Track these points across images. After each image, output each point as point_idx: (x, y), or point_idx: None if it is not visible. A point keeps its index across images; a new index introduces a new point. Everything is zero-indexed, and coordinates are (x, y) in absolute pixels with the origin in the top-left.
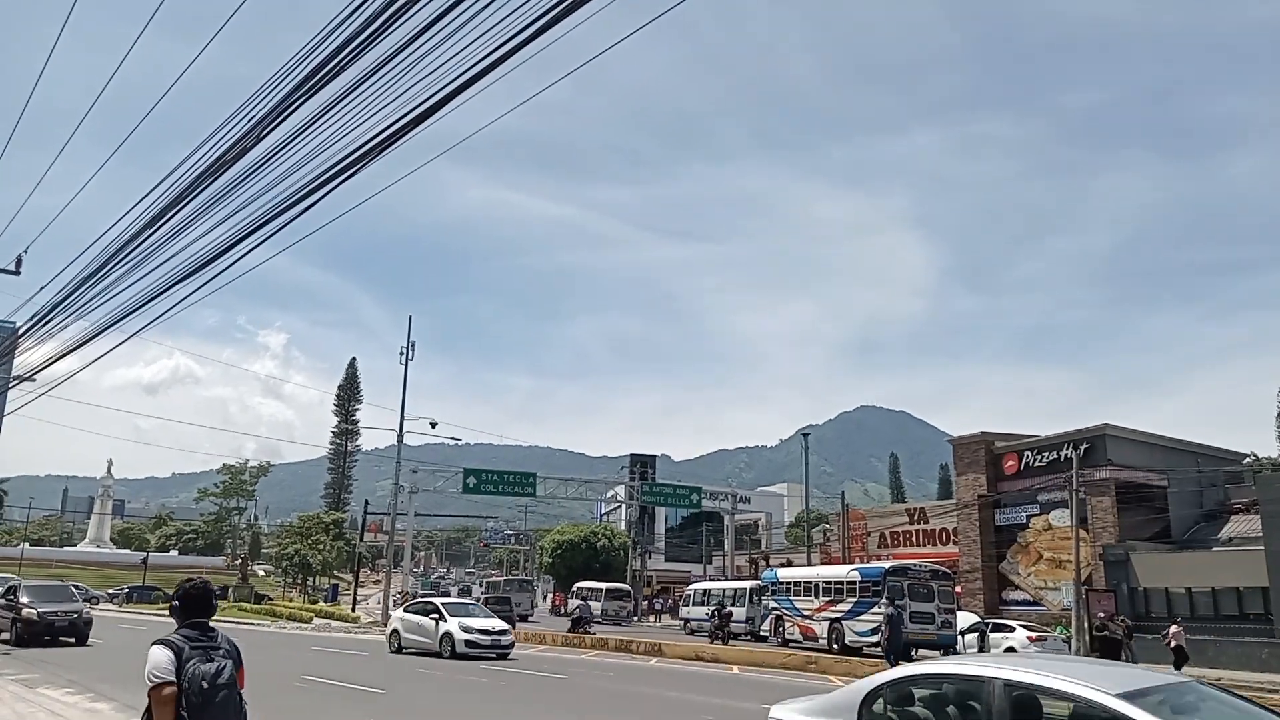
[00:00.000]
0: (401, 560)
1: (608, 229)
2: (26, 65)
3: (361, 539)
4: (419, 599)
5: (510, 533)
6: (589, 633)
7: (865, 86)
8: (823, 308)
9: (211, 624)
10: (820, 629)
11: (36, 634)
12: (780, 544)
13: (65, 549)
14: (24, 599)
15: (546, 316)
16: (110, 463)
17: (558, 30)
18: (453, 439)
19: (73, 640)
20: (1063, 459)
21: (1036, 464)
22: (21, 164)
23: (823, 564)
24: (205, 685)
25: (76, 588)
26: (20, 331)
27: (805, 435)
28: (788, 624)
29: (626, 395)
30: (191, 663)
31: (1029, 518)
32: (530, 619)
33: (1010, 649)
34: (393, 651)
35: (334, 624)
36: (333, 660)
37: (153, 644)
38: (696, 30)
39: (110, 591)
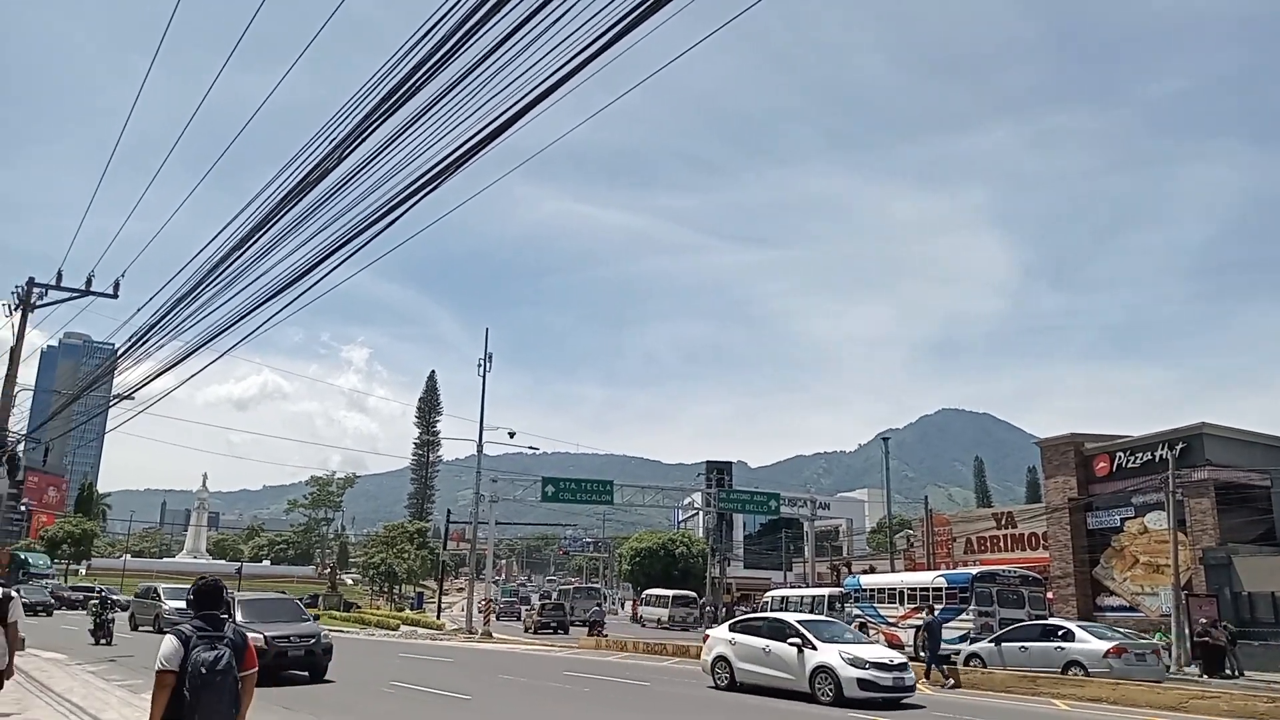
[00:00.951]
0: (484, 568)
1: (678, 236)
2: (119, 98)
3: (445, 547)
4: (755, 614)
5: (589, 540)
6: (604, 635)
7: (938, 83)
8: (899, 310)
9: (222, 615)
10: (906, 636)
11: (264, 668)
12: (862, 550)
13: (164, 560)
14: (242, 618)
15: (618, 325)
16: (205, 476)
17: (626, 41)
18: (530, 448)
19: (307, 675)
20: (1158, 459)
21: (1130, 465)
22: (117, 192)
23: (906, 570)
24: (204, 670)
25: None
26: (119, 352)
27: (885, 439)
28: (871, 631)
29: (699, 402)
30: (196, 650)
31: (1123, 521)
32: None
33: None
34: (721, 687)
35: (420, 631)
36: (419, 666)
37: (166, 633)
38: (764, 34)
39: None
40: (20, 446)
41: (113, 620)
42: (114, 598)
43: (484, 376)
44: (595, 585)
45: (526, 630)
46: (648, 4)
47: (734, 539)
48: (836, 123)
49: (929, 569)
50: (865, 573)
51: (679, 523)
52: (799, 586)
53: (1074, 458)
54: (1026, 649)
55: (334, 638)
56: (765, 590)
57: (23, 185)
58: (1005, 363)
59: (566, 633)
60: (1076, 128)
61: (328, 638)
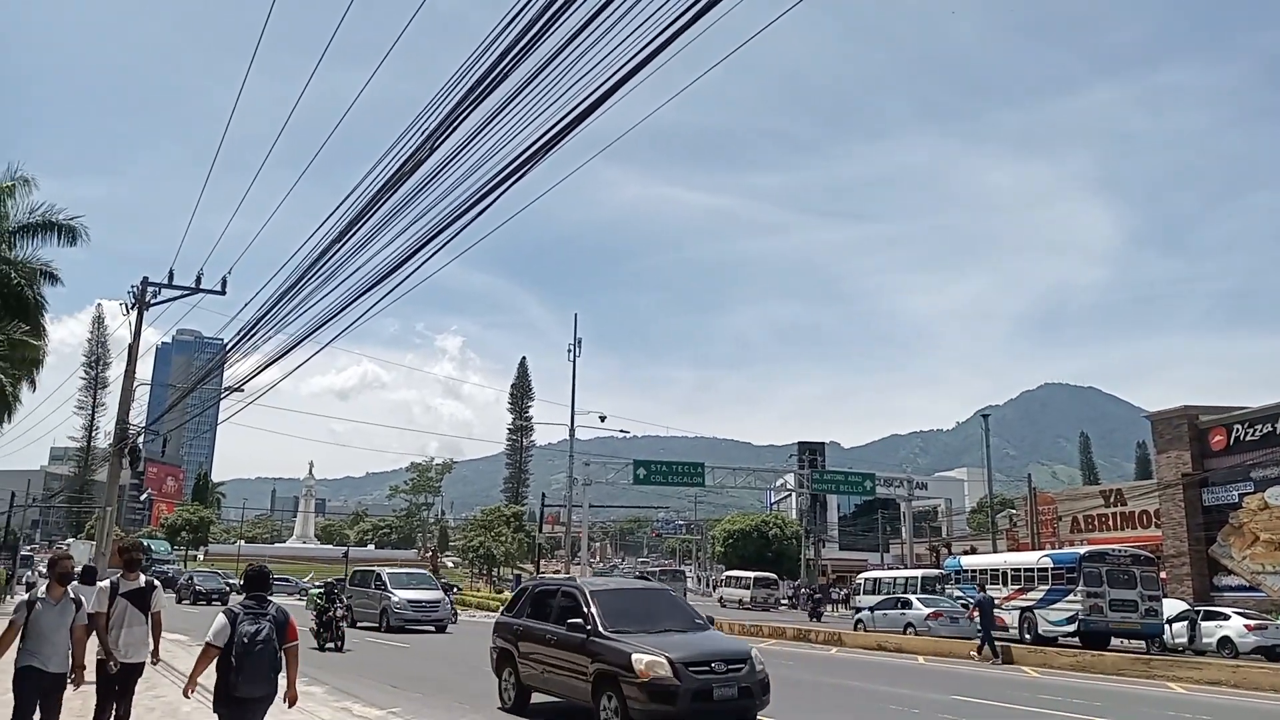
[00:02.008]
0: (579, 550)
1: (766, 215)
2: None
3: (540, 530)
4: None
5: (681, 523)
6: None
7: (1035, 45)
8: (998, 282)
9: (267, 596)
10: (1010, 618)
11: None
12: (962, 531)
13: (275, 545)
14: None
15: (707, 307)
16: (311, 465)
17: (707, 19)
18: (621, 432)
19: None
20: (1279, 432)
21: (1249, 438)
22: (222, 193)
23: (1010, 551)
24: (246, 641)
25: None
26: (228, 346)
27: (985, 416)
28: (974, 613)
29: (791, 382)
30: (242, 624)
31: (1242, 496)
32: None
33: (1226, 639)
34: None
35: None
36: None
37: (219, 611)
38: (849, 4)
39: (316, 583)
40: (140, 439)
41: (344, 618)
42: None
43: (574, 361)
44: (679, 568)
45: None
46: None
47: (828, 520)
48: (927, 91)
49: (1033, 549)
50: (966, 553)
51: (771, 505)
52: (897, 568)
53: (1188, 431)
54: (887, 615)
55: None
56: (861, 572)
57: (135, 191)
58: (1112, 334)
59: None
60: (1187, 84)
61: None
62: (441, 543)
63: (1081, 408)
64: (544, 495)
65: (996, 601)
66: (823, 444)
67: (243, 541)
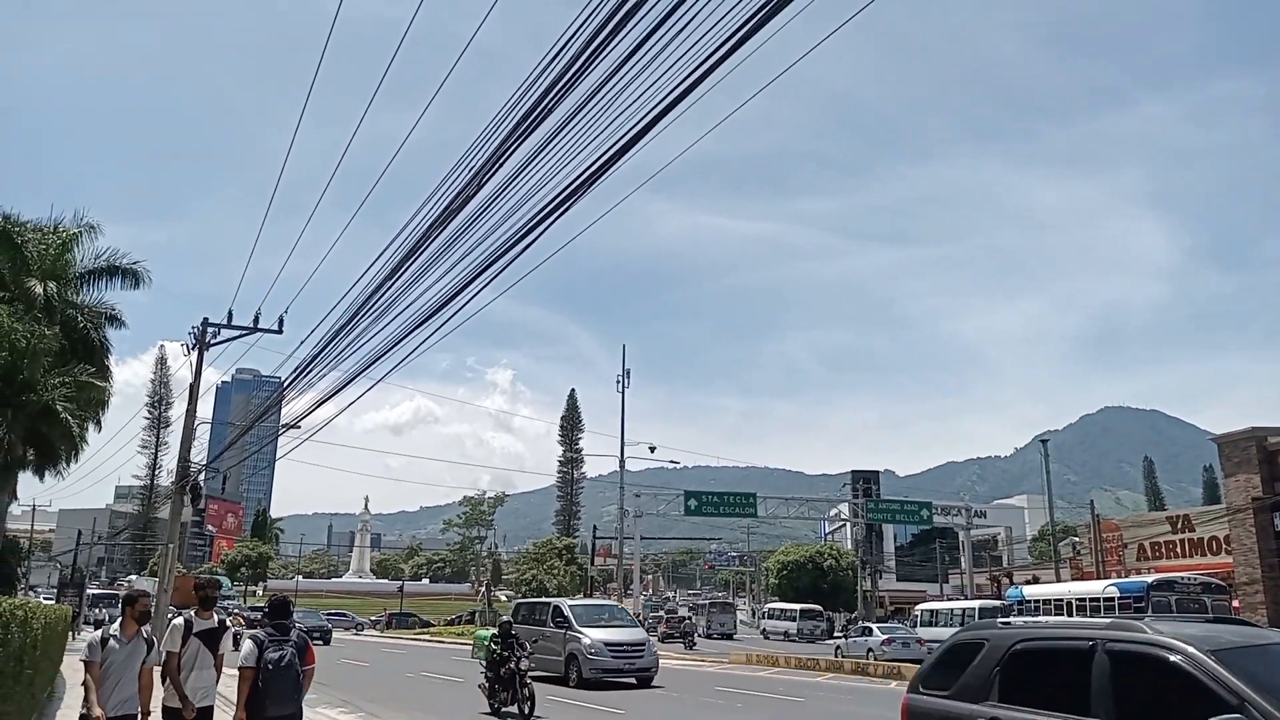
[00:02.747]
0: (631, 583)
1: (812, 240)
2: (275, 146)
3: (592, 563)
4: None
5: (734, 554)
6: (693, 645)
7: (1082, 60)
8: (1052, 302)
9: (289, 624)
10: None
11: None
12: (1023, 560)
13: (333, 580)
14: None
15: (754, 335)
16: (367, 499)
17: (747, 48)
18: (671, 463)
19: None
20: None
21: None
22: (278, 234)
23: (1073, 580)
24: (272, 665)
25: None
26: (285, 384)
27: (1044, 442)
28: None
29: (842, 410)
30: (268, 650)
31: None
32: (734, 637)
33: None
34: None
35: None
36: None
37: (246, 637)
38: (889, 26)
39: (373, 618)
40: (201, 477)
41: (529, 669)
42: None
43: (623, 393)
44: (728, 600)
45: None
46: (767, 8)
47: (884, 550)
48: (973, 110)
49: (1098, 578)
50: (1028, 583)
51: (826, 535)
52: (955, 599)
53: (1257, 454)
54: (855, 642)
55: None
56: (919, 603)
57: (194, 234)
58: (1172, 354)
59: (693, 644)
60: (1241, 95)
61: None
62: (494, 576)
63: (1144, 431)
64: (595, 527)
65: None
66: (877, 472)
67: (300, 576)
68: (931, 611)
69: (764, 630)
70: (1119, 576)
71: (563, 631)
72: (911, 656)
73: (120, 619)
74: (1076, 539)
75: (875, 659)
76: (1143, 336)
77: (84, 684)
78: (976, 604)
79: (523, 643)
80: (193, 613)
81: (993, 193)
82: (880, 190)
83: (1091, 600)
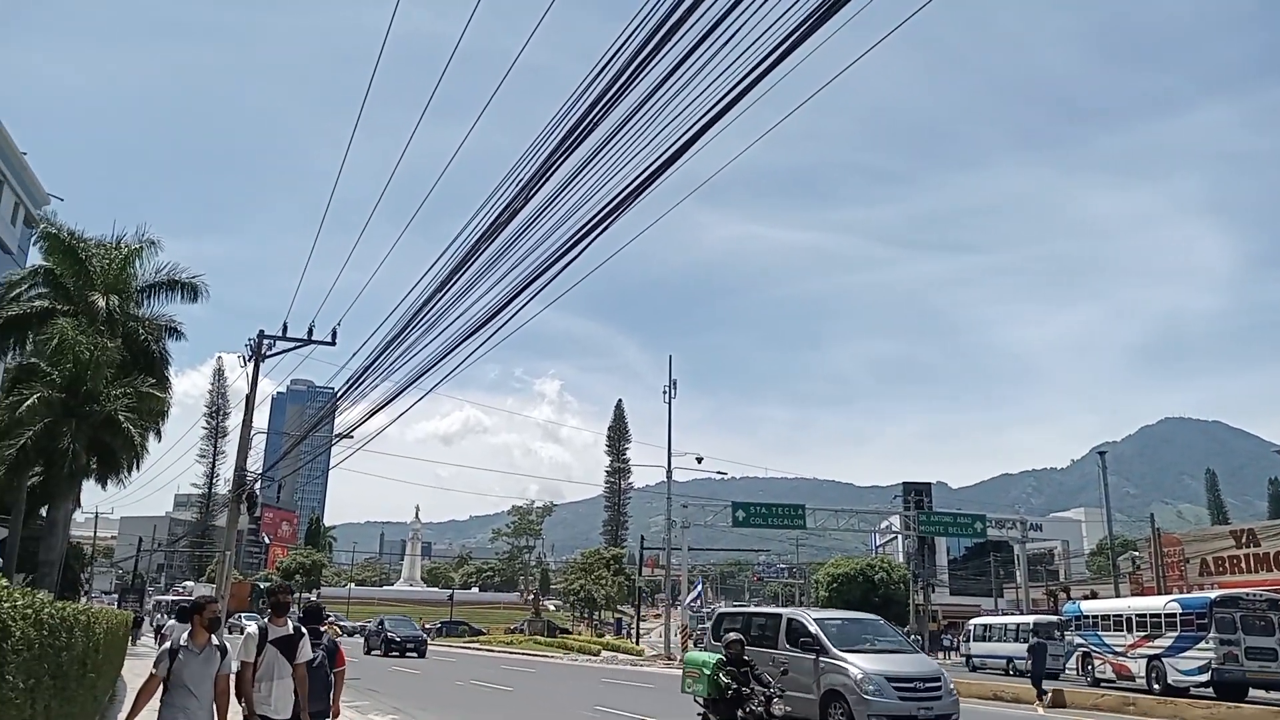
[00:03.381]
0: (679, 594)
1: (861, 250)
2: (328, 162)
3: (640, 574)
4: None
5: (783, 566)
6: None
7: (1136, 66)
8: (1108, 311)
9: (320, 629)
10: (1136, 667)
11: None
12: (1080, 574)
13: (384, 588)
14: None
15: (802, 345)
16: (418, 509)
17: (793, 59)
18: (719, 473)
19: None
20: None
21: None
22: (331, 248)
23: (1133, 595)
24: (310, 666)
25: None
26: (338, 395)
27: (1101, 454)
28: (1097, 662)
29: (893, 421)
30: None
31: None
32: None
33: None
34: None
35: (620, 656)
36: (621, 692)
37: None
38: (934, 35)
39: (425, 626)
40: (257, 485)
41: (774, 698)
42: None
43: (669, 403)
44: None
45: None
46: (813, 19)
47: (937, 564)
48: (1023, 118)
49: (1159, 593)
50: (1086, 598)
51: (877, 547)
52: (1010, 614)
53: None
54: None
55: (537, 662)
56: (973, 618)
57: (250, 248)
58: (1235, 364)
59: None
60: None
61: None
62: (543, 585)
63: (1206, 442)
64: (643, 538)
65: (1120, 649)
66: (929, 484)
67: (353, 584)
68: (985, 626)
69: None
70: (1181, 592)
71: (811, 658)
72: None
73: (189, 627)
74: (1136, 553)
75: None
76: (1203, 345)
77: (138, 692)
78: (1032, 619)
79: (762, 674)
80: (266, 620)
81: (1046, 201)
82: (929, 199)
83: (1153, 616)
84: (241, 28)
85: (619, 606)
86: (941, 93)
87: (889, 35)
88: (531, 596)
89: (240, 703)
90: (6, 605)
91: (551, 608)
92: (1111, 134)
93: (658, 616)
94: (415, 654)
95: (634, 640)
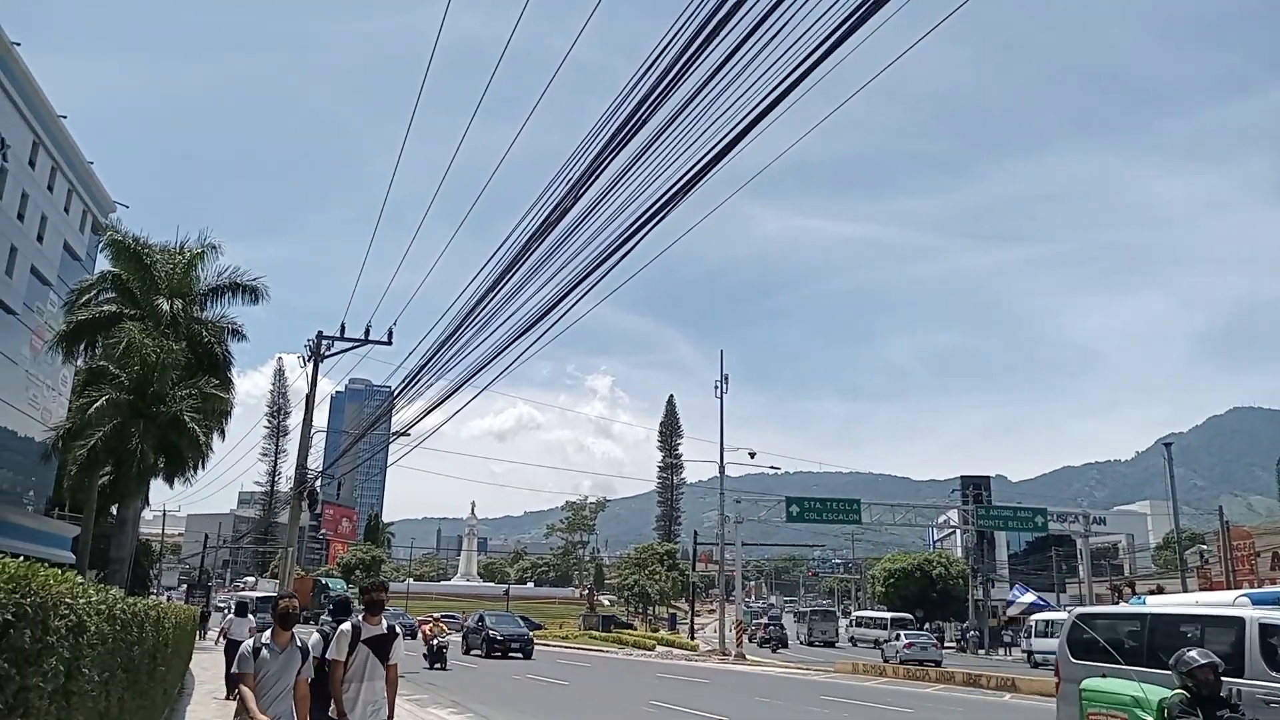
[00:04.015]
0: (733, 590)
1: (916, 241)
2: (383, 164)
3: (694, 569)
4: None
5: (838, 561)
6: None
7: (1199, 47)
8: (1175, 299)
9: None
10: None
11: None
12: (1146, 568)
13: (441, 583)
14: None
15: (856, 339)
16: (473, 505)
17: (845, 48)
18: (772, 468)
19: None
20: None
21: None
22: (386, 249)
23: (1201, 590)
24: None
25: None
26: (395, 393)
27: (1167, 445)
28: None
29: (950, 414)
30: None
31: None
32: (836, 645)
33: None
34: None
35: (674, 651)
36: (676, 687)
37: (314, 632)
38: (991, 19)
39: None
40: (318, 483)
41: None
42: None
43: (721, 398)
44: (830, 608)
45: (751, 641)
46: (865, 8)
47: (996, 558)
48: (1084, 102)
49: (1228, 588)
50: (1152, 593)
51: (934, 542)
52: (1071, 609)
53: None
54: (891, 644)
55: (592, 657)
56: (1034, 614)
57: (307, 251)
58: None
59: (786, 646)
60: None
61: None
62: (597, 580)
63: (1277, 432)
64: (696, 533)
65: None
66: (988, 478)
67: (412, 580)
68: (1047, 622)
69: (853, 638)
70: (1251, 586)
71: None
72: (928, 658)
73: (270, 626)
74: (1204, 547)
75: (898, 659)
76: (1273, 332)
77: (239, 695)
78: None
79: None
80: (360, 617)
81: (1109, 187)
82: (987, 188)
83: None
84: (298, 35)
85: (673, 602)
86: (997, 77)
87: (944, 21)
88: (586, 591)
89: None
90: (82, 601)
91: (606, 602)
92: (1175, 116)
93: (712, 611)
94: (520, 655)
95: (689, 635)
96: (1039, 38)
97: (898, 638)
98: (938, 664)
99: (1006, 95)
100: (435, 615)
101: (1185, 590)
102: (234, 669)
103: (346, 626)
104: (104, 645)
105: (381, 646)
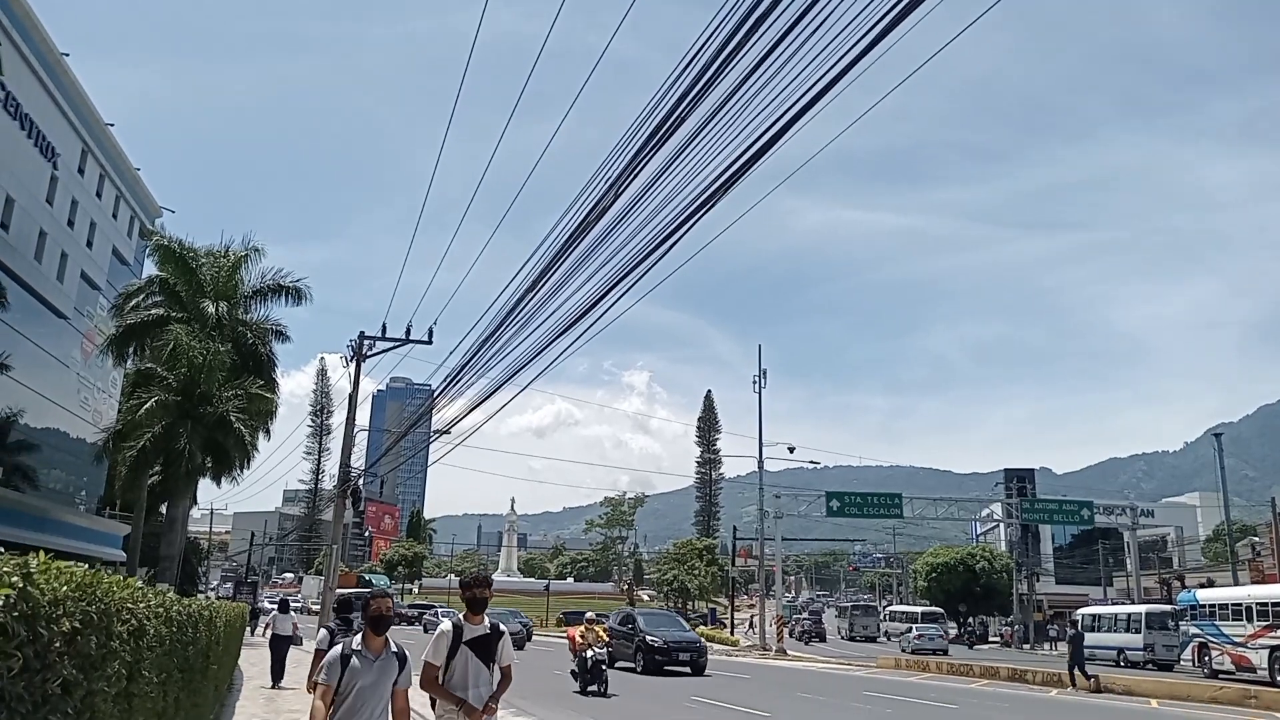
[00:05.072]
0: (773, 584)
1: (959, 231)
2: (423, 165)
3: (733, 564)
4: None
5: (880, 556)
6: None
7: (1251, 24)
8: (1226, 286)
9: (352, 616)
10: (1257, 658)
11: None
12: (1195, 561)
13: None
14: None
15: (898, 331)
16: (513, 501)
17: (887, 41)
18: (812, 463)
19: None
20: None
21: None
22: (426, 249)
23: (1253, 583)
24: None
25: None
26: (436, 393)
27: (1217, 435)
28: (1215, 652)
29: (994, 406)
30: (337, 637)
31: None
32: (877, 640)
33: None
34: None
35: (715, 647)
36: (718, 683)
37: (321, 628)
38: (1035, 2)
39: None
40: (361, 481)
41: None
42: None
43: (760, 393)
44: (870, 603)
45: (790, 636)
46: (904, 4)
47: (1041, 552)
48: (1131, 85)
49: None
50: (1202, 586)
51: (977, 536)
52: (1121, 603)
53: None
54: (905, 636)
55: None
56: (1080, 607)
57: (349, 252)
58: None
59: (824, 640)
60: None
61: None
62: (636, 576)
63: None
64: (735, 528)
65: (1240, 639)
66: (1032, 470)
67: (453, 575)
68: (1094, 616)
69: (886, 633)
70: None
71: None
72: (936, 648)
73: (360, 630)
74: (1256, 539)
75: (910, 649)
76: None
77: (312, 711)
78: (1144, 609)
79: None
80: (461, 616)
81: (1159, 172)
82: (1032, 175)
83: (1274, 605)
84: (338, 38)
85: (713, 597)
86: (1041, 63)
87: (990, 9)
88: (626, 587)
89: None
90: (142, 605)
91: (645, 598)
92: (1227, 98)
93: (751, 607)
94: (691, 670)
95: (729, 630)
96: (1083, 19)
97: (909, 630)
98: (945, 653)
99: (1051, 80)
100: (592, 615)
101: (1236, 583)
102: (315, 678)
103: (446, 626)
104: (162, 647)
105: (486, 648)
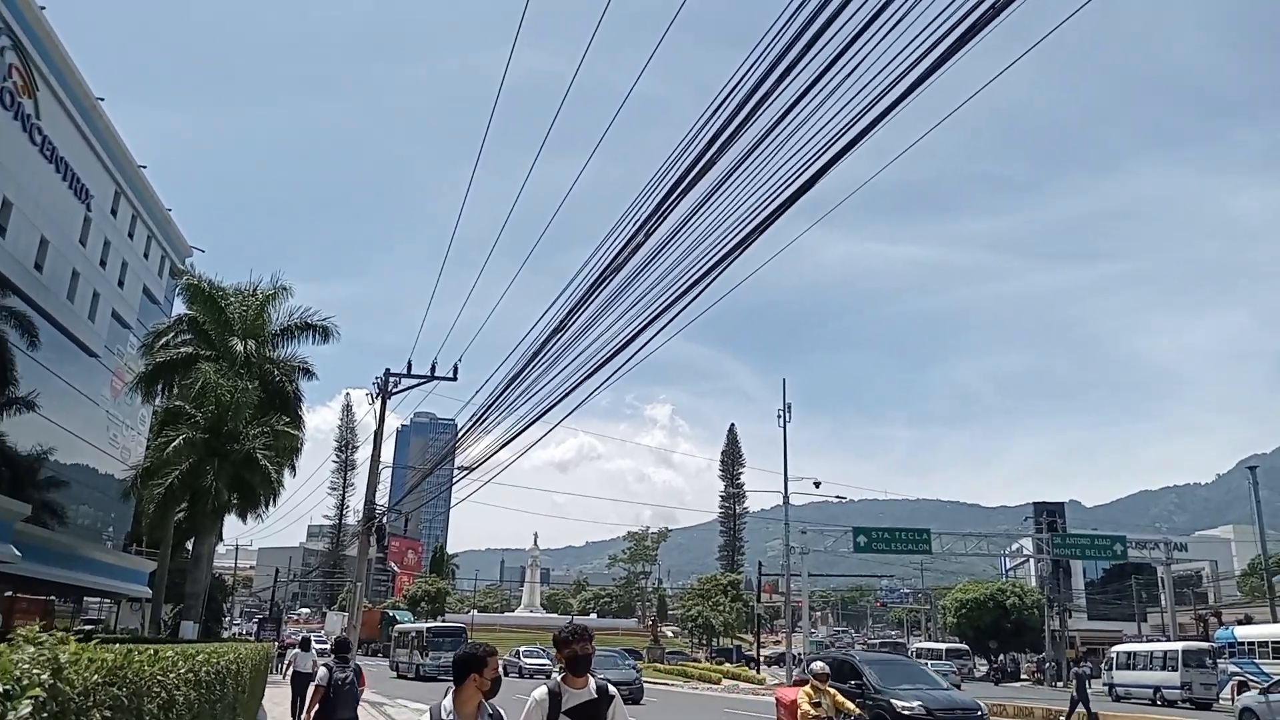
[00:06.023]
0: (800, 621)
1: (983, 262)
2: (449, 203)
3: (759, 599)
4: None
5: (908, 591)
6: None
7: (1277, 52)
8: (1257, 316)
9: (347, 656)
10: None
11: None
12: (1232, 596)
13: (505, 614)
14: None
15: (923, 363)
16: (536, 535)
17: (928, 82)
18: (838, 497)
19: None
20: None
21: None
22: (452, 286)
23: None
24: (340, 683)
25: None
26: (460, 431)
27: (1251, 468)
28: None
29: (1021, 438)
30: (335, 673)
31: None
32: None
33: None
34: None
35: (741, 685)
36: None
37: (320, 665)
38: (1058, 33)
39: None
40: (385, 518)
41: None
42: None
43: (784, 427)
44: (899, 640)
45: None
46: (945, 49)
47: (1073, 587)
48: (1156, 116)
49: None
50: (1240, 623)
51: (1007, 571)
52: (1156, 640)
53: None
54: None
55: (657, 690)
56: (1114, 644)
57: (375, 289)
58: None
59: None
60: None
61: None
62: (660, 612)
63: None
64: (760, 564)
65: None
66: (1061, 504)
67: (476, 611)
68: (1129, 653)
69: None
70: None
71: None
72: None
73: (451, 690)
74: None
75: None
76: None
77: None
78: (1180, 646)
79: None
80: (559, 678)
81: (1185, 202)
82: (1057, 206)
83: None
84: (366, 79)
85: (738, 633)
86: (1066, 94)
87: (1027, 53)
88: (650, 623)
89: None
90: (172, 676)
91: (669, 634)
92: (1253, 127)
93: (777, 643)
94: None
95: (755, 668)
96: (1108, 50)
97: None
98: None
99: (1076, 111)
100: (821, 666)
101: (1275, 619)
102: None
103: (540, 693)
104: (190, 712)
105: (590, 717)
